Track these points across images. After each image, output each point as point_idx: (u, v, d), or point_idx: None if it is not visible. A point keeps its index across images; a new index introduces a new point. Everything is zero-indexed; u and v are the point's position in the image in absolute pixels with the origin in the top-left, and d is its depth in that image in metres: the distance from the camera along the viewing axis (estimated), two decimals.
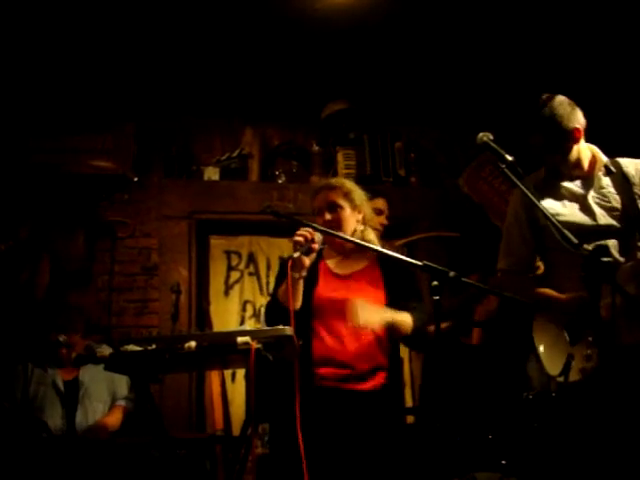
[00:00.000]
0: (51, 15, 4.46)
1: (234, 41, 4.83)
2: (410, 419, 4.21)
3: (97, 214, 5.31)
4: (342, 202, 3.29)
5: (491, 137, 2.83)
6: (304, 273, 3.08)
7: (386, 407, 3.14)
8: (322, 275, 3.28)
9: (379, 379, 3.15)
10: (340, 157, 5.66)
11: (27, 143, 5.26)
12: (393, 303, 3.20)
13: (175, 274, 5.28)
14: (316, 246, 3.07)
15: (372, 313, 3.05)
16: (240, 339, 2.67)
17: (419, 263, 2.73)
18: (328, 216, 3.27)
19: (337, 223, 3.25)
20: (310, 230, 3.05)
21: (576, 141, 3.11)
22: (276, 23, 4.67)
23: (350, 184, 3.39)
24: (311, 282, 3.22)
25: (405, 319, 3.15)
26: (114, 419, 4.38)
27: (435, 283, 2.60)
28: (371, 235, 3.36)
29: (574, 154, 3.13)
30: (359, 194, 3.37)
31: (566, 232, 2.65)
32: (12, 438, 3.99)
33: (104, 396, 4.43)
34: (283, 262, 3.46)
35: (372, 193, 4.05)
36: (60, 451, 4.06)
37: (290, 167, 5.65)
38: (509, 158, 2.77)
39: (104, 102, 5.34)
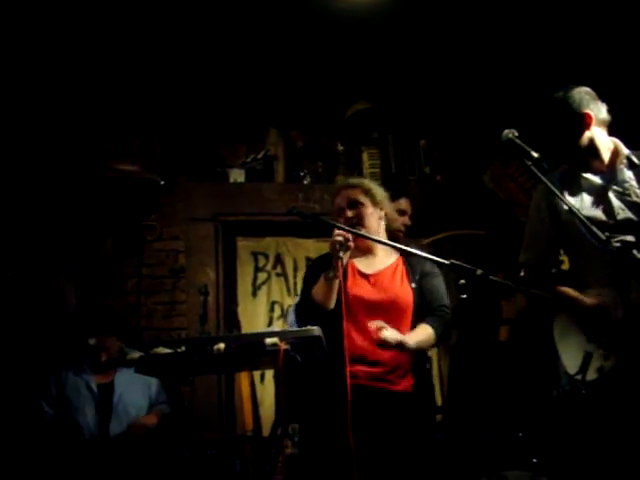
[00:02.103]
0: (81, 25, 4.52)
1: (258, 44, 4.86)
2: (438, 418, 4.20)
3: (124, 218, 5.35)
4: (363, 199, 3.31)
5: (516, 134, 2.83)
6: (340, 272, 3.10)
7: (417, 407, 3.13)
8: (350, 275, 3.28)
9: (408, 379, 3.15)
10: (365, 156, 5.66)
11: (55, 146, 5.31)
12: (419, 300, 3.20)
13: (202, 276, 5.30)
14: (352, 244, 3.09)
15: (394, 336, 3.05)
16: (269, 340, 2.68)
17: (446, 262, 2.73)
18: (350, 213, 3.28)
19: (359, 219, 3.26)
20: (343, 232, 3.08)
21: (586, 127, 3.07)
22: (298, 24, 4.69)
23: (369, 182, 3.43)
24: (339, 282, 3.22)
25: (426, 337, 3.16)
26: (151, 420, 4.41)
27: (462, 282, 2.59)
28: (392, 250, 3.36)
29: (585, 141, 3.08)
30: (379, 191, 3.39)
31: (593, 228, 2.64)
32: (49, 439, 4.04)
33: (139, 401, 4.43)
34: (312, 263, 3.47)
35: (395, 193, 4.06)
36: (92, 451, 4.11)
37: (315, 168, 5.66)
38: (535, 155, 2.76)
39: (130, 106, 5.38)
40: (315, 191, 5.52)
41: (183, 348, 2.76)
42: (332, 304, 3.14)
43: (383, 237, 3.31)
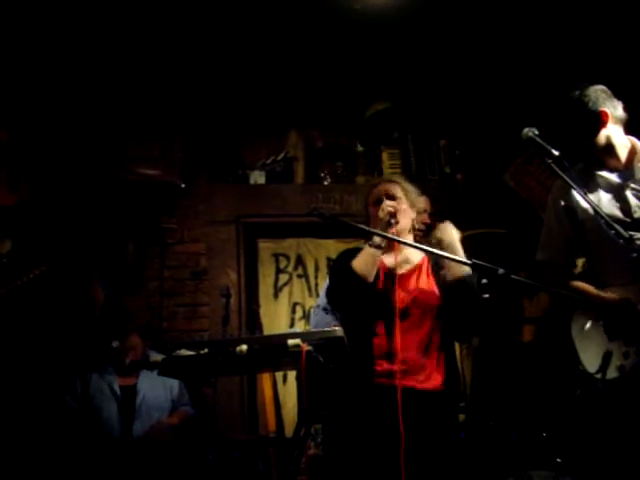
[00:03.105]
0: (102, 29, 4.56)
1: (277, 46, 4.87)
2: (462, 417, 4.18)
3: (146, 221, 5.37)
4: (400, 195, 3.32)
5: (536, 132, 2.82)
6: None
7: (443, 405, 3.12)
8: (380, 272, 3.26)
9: (437, 377, 3.14)
10: (385, 156, 5.66)
11: (77, 150, 5.35)
12: (445, 301, 3.19)
13: (224, 278, 5.32)
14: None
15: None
16: (291, 341, 2.68)
17: (468, 261, 2.72)
18: (388, 202, 3.25)
19: (396, 212, 3.23)
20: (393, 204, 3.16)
21: (603, 124, 3.05)
22: (318, 24, 4.69)
23: (407, 182, 3.43)
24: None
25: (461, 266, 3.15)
26: (172, 420, 4.43)
27: (484, 281, 2.59)
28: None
29: (602, 139, 3.06)
30: (415, 194, 3.42)
31: (616, 226, 2.62)
32: (72, 440, 4.06)
33: (162, 403, 4.46)
34: (340, 255, 3.46)
35: None
36: (115, 452, 4.13)
37: (335, 168, 5.67)
38: (555, 153, 2.75)
39: (151, 110, 5.41)
40: (335, 191, 5.52)
41: (206, 350, 2.76)
42: (372, 277, 3.15)
43: (410, 237, 3.31)
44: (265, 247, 5.69)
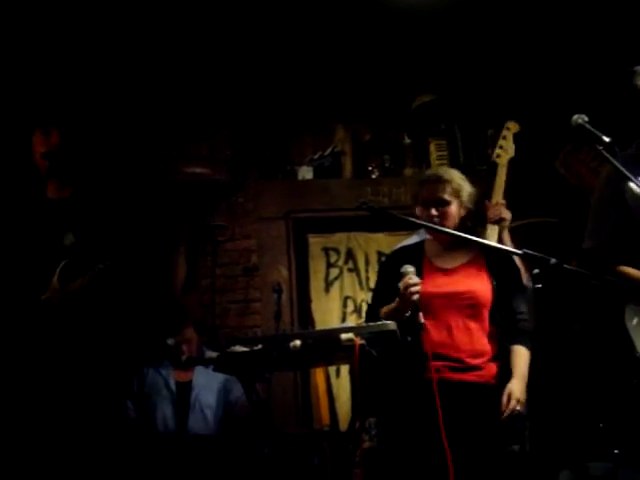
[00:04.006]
0: (143, 27, 4.62)
1: (322, 41, 4.87)
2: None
3: (196, 219, 5.43)
4: (450, 198, 3.23)
5: (586, 119, 2.78)
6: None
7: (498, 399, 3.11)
8: (426, 271, 3.23)
9: (491, 371, 3.13)
10: (432, 148, 5.63)
11: (132, 153, 5.42)
12: (499, 294, 3.16)
13: (275, 274, 5.36)
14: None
15: None
16: (344, 336, 2.70)
17: (519, 251, 2.70)
18: (434, 211, 3.21)
19: (442, 218, 3.20)
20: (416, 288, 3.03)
21: None
22: (362, 17, 4.68)
23: (460, 179, 3.32)
24: None
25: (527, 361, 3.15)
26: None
27: (536, 271, 2.56)
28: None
29: None
30: (467, 190, 3.30)
31: None
32: (128, 435, 4.13)
33: (214, 401, 4.47)
34: (384, 263, 3.47)
35: None
36: (170, 449, 4.18)
37: (383, 161, 5.66)
38: (606, 139, 2.71)
39: (198, 109, 5.46)
40: (383, 185, 5.52)
41: (260, 346, 2.80)
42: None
43: (465, 232, 3.28)
44: (315, 242, 5.71)
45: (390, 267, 3.30)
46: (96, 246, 3.07)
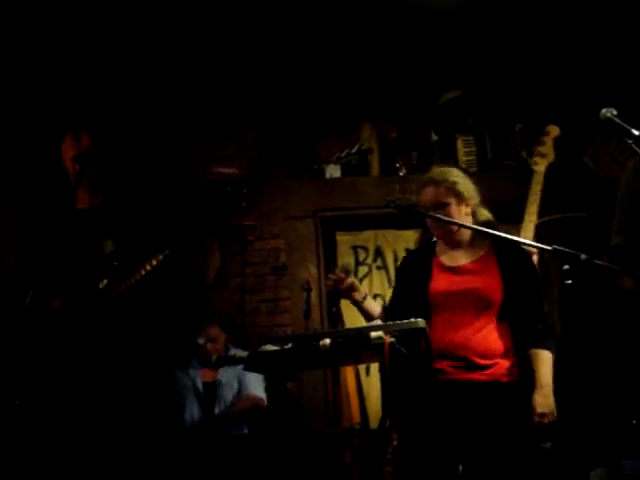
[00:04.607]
0: (168, 34, 4.65)
1: (348, 40, 4.87)
2: None
3: (225, 219, 5.45)
4: (447, 199, 3.20)
5: (615, 112, 2.75)
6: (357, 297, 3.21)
7: (513, 397, 3.06)
8: (435, 270, 3.24)
9: (501, 369, 3.08)
10: (460, 144, 5.62)
11: (162, 155, 5.46)
12: (510, 293, 3.13)
13: (304, 272, 5.37)
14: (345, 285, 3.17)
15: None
16: (374, 334, 2.69)
17: (548, 247, 2.68)
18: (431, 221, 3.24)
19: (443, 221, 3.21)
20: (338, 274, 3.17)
21: None
22: (387, 15, 4.68)
23: (454, 176, 3.28)
24: (425, 278, 3.21)
25: (551, 363, 3.10)
26: (246, 404, 4.50)
27: (566, 267, 2.55)
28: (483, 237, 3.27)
29: None
30: (465, 185, 3.26)
31: None
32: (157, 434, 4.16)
33: (234, 395, 4.55)
34: (400, 264, 3.51)
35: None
36: (201, 445, 4.21)
37: (410, 159, 5.65)
38: (635, 132, 2.68)
39: (225, 109, 5.49)
40: (411, 182, 5.47)
41: (290, 345, 2.80)
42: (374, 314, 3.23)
43: (468, 236, 3.26)
44: (343, 240, 5.72)
45: (403, 268, 3.38)
46: (136, 250, 3.09)
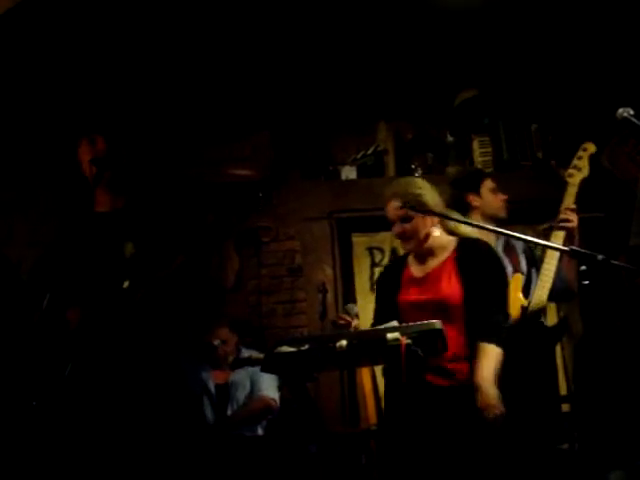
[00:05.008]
0: (181, 37, 4.67)
1: (363, 40, 4.88)
2: (565, 408, 4.11)
3: (241, 221, 5.47)
4: (410, 212, 3.25)
5: (631, 112, 2.74)
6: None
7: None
8: (404, 282, 3.31)
9: (465, 371, 3.08)
10: (475, 145, 5.61)
11: (176, 157, 5.47)
12: (470, 294, 3.14)
13: (320, 274, 5.38)
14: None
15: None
16: (390, 335, 2.70)
17: (565, 248, 2.68)
18: (398, 228, 3.30)
19: (410, 233, 3.26)
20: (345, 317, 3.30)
21: None
22: (402, 15, 4.68)
23: (418, 187, 3.33)
24: (394, 289, 3.28)
25: (496, 358, 3.05)
26: (258, 405, 4.50)
27: (583, 268, 2.54)
28: (443, 238, 3.32)
29: None
30: (430, 195, 3.30)
31: None
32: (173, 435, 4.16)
33: (247, 397, 4.55)
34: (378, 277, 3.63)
35: (476, 178, 4.03)
36: (215, 446, 4.21)
37: (425, 159, 5.65)
38: None
39: (240, 111, 5.50)
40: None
41: (306, 346, 2.81)
42: None
43: (435, 240, 3.30)
44: (359, 241, 5.72)
45: (380, 283, 3.50)
46: (157, 253, 3.10)
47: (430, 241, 3.27)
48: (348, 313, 3.43)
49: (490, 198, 3.94)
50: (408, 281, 3.30)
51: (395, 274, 3.34)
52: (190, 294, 3.19)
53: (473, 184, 3.97)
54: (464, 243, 3.27)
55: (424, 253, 3.32)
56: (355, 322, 3.28)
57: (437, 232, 3.30)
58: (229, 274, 3.35)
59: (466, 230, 3.33)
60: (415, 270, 3.34)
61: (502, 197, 4.00)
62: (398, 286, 3.28)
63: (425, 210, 3.20)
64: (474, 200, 3.91)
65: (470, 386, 3.02)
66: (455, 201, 3.87)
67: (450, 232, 3.34)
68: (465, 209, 3.89)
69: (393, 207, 3.31)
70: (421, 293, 3.23)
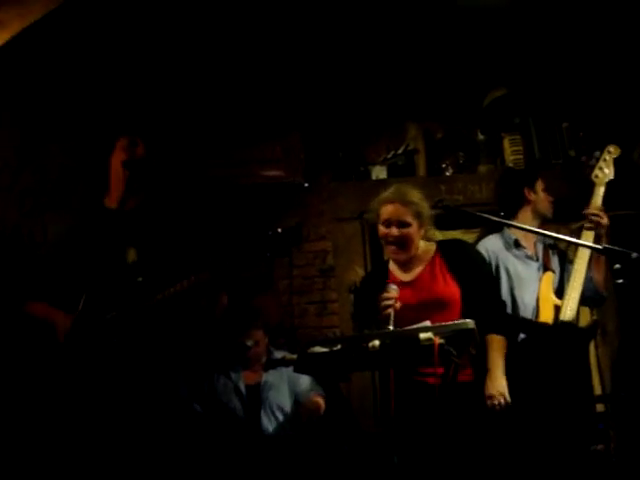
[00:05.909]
0: (213, 40, 4.72)
1: (393, 40, 4.89)
2: (600, 408, 4.08)
3: (272, 221, 5.47)
4: (412, 220, 3.32)
5: None
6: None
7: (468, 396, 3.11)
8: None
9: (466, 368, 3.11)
10: (506, 143, 5.58)
11: (203, 158, 5.50)
12: (466, 290, 3.15)
13: (352, 274, 5.37)
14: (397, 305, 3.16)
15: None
16: (423, 335, 2.71)
17: (599, 246, 2.67)
18: (396, 232, 3.32)
19: (405, 239, 3.31)
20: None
21: None
22: (431, 15, 4.68)
23: (421, 200, 3.40)
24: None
25: (503, 348, 3.13)
26: (322, 401, 4.47)
27: (617, 266, 2.53)
28: (423, 245, 3.39)
29: None
30: (426, 208, 3.38)
31: None
32: (200, 436, 4.19)
33: (285, 400, 4.46)
34: (361, 284, 3.69)
35: (532, 175, 4.04)
36: (252, 446, 4.22)
37: (456, 159, 5.63)
38: None
39: (271, 112, 5.53)
40: (457, 182, 5.48)
41: (339, 346, 2.82)
42: None
43: (421, 248, 3.37)
44: None
45: (364, 287, 3.58)
46: (160, 264, 3.09)
47: (417, 247, 3.35)
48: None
49: (542, 196, 3.99)
50: (397, 285, 3.29)
51: (379, 280, 3.37)
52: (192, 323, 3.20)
53: (530, 179, 4.02)
54: (444, 245, 3.38)
55: (408, 260, 3.38)
56: (398, 304, 3.26)
57: (422, 242, 3.39)
58: (219, 308, 3.35)
59: (439, 235, 3.39)
60: (400, 275, 3.41)
61: (550, 198, 4.03)
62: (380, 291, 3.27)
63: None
64: (530, 194, 3.96)
65: (471, 383, 3.05)
66: (509, 193, 3.92)
67: (427, 238, 3.42)
68: (518, 202, 3.94)
69: (395, 209, 3.34)
70: (414, 295, 3.29)
